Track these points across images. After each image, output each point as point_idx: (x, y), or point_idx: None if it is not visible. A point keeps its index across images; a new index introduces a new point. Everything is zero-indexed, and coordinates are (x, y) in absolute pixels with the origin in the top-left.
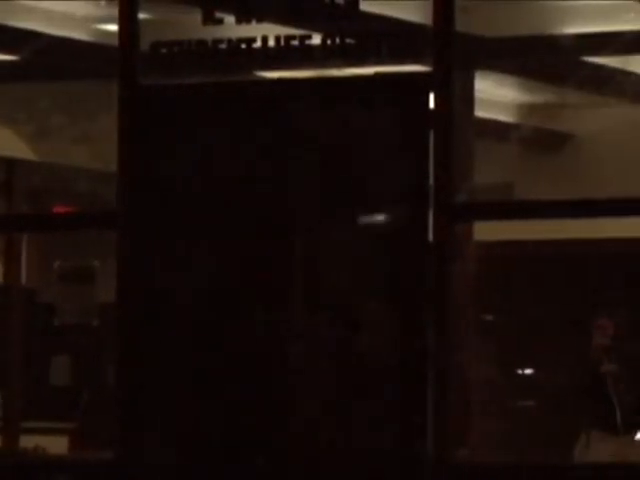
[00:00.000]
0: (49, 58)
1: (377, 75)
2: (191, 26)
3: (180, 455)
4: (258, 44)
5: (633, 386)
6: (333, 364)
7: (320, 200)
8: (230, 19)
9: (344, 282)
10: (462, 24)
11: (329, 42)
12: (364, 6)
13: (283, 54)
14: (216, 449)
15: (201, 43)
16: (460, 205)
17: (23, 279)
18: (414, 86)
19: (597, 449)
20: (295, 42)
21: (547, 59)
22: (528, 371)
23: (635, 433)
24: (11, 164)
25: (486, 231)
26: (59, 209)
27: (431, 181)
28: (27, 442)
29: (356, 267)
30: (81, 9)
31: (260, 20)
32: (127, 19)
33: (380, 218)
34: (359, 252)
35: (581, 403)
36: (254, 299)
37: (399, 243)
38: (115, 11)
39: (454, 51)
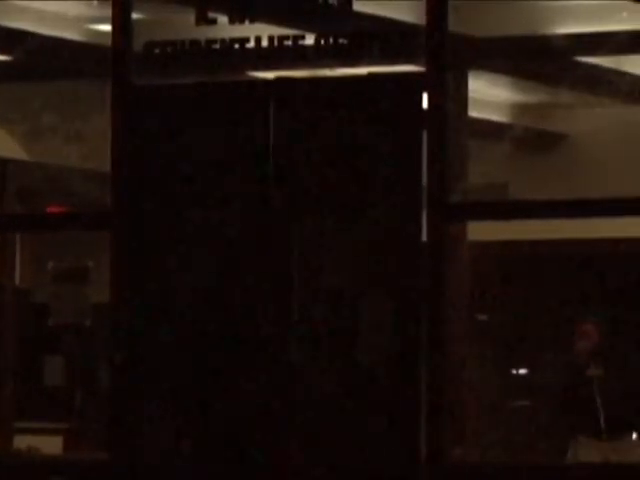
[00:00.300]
0: (42, 58)
1: (370, 75)
2: (184, 26)
3: (176, 455)
4: (251, 44)
5: (619, 390)
6: (330, 363)
7: (315, 199)
8: (223, 19)
9: (341, 281)
10: (455, 24)
11: (322, 42)
12: (357, 6)
13: (276, 54)
14: (213, 448)
15: (194, 43)
16: (454, 205)
17: (17, 279)
18: (407, 86)
19: (582, 454)
20: (288, 42)
21: (540, 59)
22: (520, 371)
23: (620, 438)
24: (4, 164)
25: (480, 231)
26: (53, 209)
27: (425, 181)
28: (21, 442)
29: (353, 266)
30: (74, 9)
31: (253, 20)
32: (120, 19)
33: (374, 218)
34: (355, 251)
35: (567, 407)
36: (252, 298)
37: (393, 242)
38: (108, 11)
39: (447, 51)
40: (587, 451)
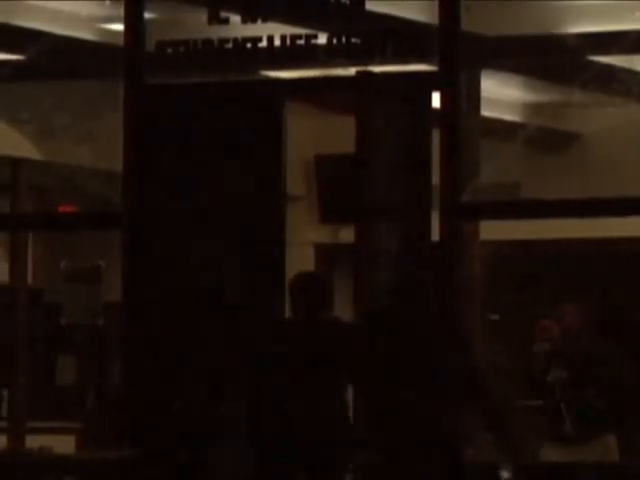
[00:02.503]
0: (55, 58)
1: (382, 75)
2: (197, 26)
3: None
4: (264, 43)
5: (583, 391)
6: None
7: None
8: (236, 19)
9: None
10: (467, 23)
11: (335, 41)
12: (370, 5)
13: (289, 53)
14: (223, 447)
15: (207, 43)
16: (466, 204)
17: (29, 279)
18: (420, 85)
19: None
20: (301, 41)
21: (553, 58)
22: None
23: (588, 443)
24: (17, 163)
25: (492, 230)
26: (65, 208)
27: (437, 180)
28: (33, 442)
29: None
30: (86, 9)
31: (266, 20)
32: (133, 19)
33: (384, 217)
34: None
35: (531, 415)
36: (259, 297)
37: (404, 242)
38: (120, 11)
39: (460, 50)
40: (553, 457)
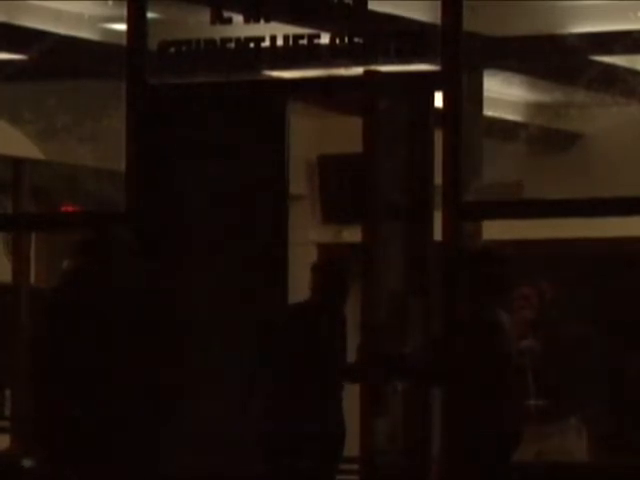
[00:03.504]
0: (57, 57)
1: (389, 74)
2: (199, 25)
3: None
4: (266, 43)
5: (554, 368)
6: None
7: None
8: (238, 18)
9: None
10: (470, 23)
11: (337, 41)
12: (372, 5)
13: (291, 53)
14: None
15: (209, 42)
16: (469, 204)
17: (32, 278)
18: (422, 85)
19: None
20: (303, 41)
21: (555, 58)
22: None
23: (553, 422)
24: (19, 163)
25: (495, 230)
26: (67, 208)
27: (440, 180)
28: None
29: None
30: (89, 9)
31: (268, 19)
32: (135, 18)
33: (387, 217)
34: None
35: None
36: (261, 297)
37: (406, 241)
38: (123, 11)
39: (463, 50)
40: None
